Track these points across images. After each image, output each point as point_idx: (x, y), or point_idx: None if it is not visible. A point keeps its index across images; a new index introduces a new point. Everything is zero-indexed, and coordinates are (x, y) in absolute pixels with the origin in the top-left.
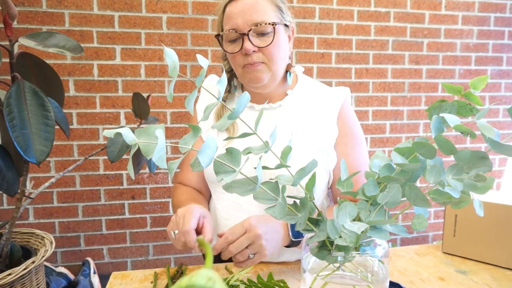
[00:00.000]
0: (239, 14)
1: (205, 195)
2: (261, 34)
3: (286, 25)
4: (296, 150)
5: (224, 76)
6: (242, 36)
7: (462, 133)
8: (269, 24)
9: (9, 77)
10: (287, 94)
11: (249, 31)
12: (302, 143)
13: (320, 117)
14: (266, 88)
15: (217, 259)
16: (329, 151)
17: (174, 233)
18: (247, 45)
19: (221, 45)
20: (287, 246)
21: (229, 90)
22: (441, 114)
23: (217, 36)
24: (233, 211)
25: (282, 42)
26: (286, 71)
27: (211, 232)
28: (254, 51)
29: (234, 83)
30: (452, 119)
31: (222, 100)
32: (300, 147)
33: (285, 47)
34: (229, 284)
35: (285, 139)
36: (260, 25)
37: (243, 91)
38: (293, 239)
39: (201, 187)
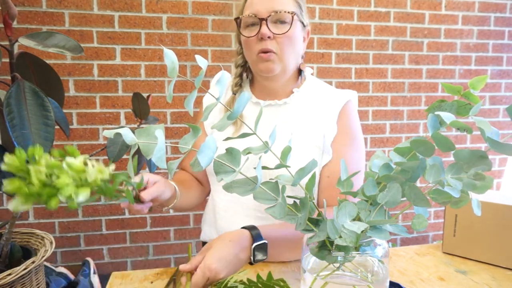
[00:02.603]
0: (261, 1)
1: (204, 186)
2: (279, 22)
3: (303, 24)
4: (297, 148)
5: (224, 76)
6: (261, 21)
7: (459, 129)
8: (289, 12)
9: (9, 77)
10: (293, 92)
11: (268, 16)
12: (302, 140)
13: (321, 115)
14: (276, 80)
15: None
16: (325, 147)
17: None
18: (264, 29)
19: (238, 28)
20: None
21: (241, 84)
22: (436, 112)
23: (237, 19)
24: (231, 204)
25: (297, 37)
26: (299, 70)
27: (151, 194)
28: (269, 37)
29: (244, 77)
30: (447, 116)
31: (233, 93)
32: (301, 145)
33: (299, 43)
34: (229, 284)
35: (287, 137)
36: (280, 12)
37: (251, 87)
38: (252, 262)
39: (200, 177)
